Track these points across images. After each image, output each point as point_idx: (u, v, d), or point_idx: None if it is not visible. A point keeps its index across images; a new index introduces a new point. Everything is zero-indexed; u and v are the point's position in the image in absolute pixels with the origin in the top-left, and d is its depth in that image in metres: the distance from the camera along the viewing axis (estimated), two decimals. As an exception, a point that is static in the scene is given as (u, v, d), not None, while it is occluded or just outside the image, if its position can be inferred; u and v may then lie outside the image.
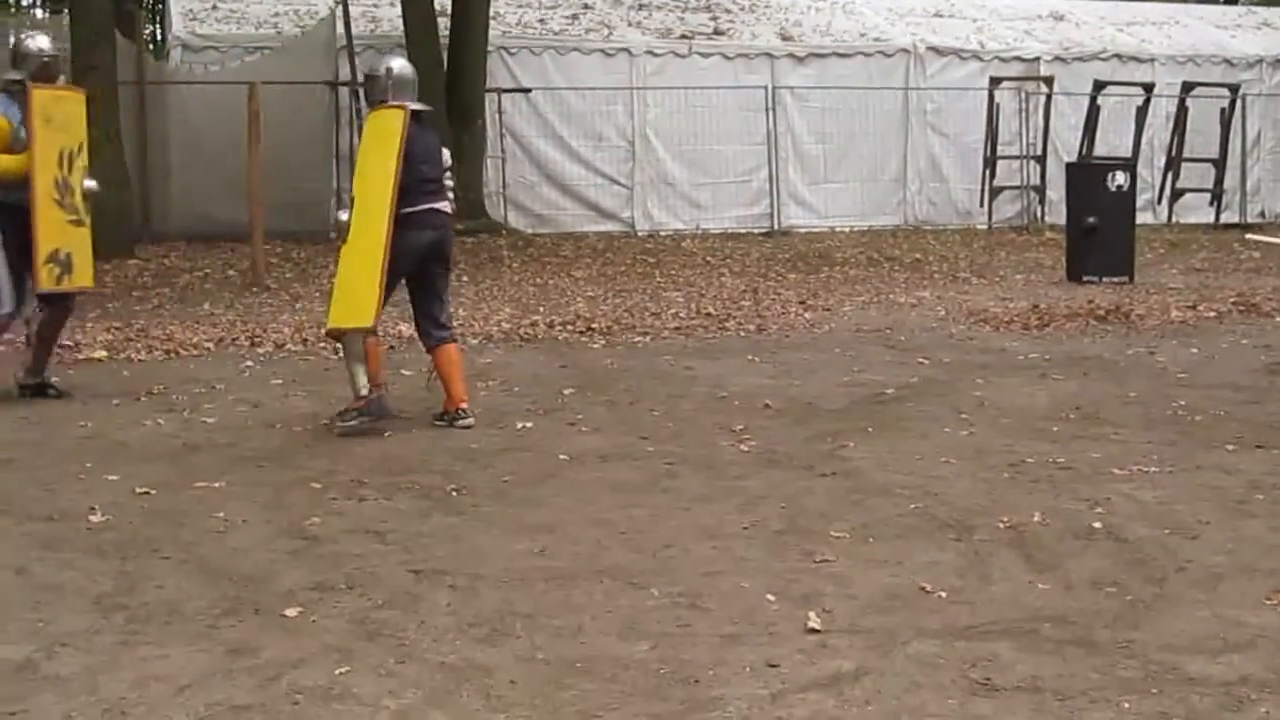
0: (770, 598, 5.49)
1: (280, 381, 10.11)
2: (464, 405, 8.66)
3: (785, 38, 22.95)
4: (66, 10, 20.34)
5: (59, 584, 5.75)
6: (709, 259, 18.31)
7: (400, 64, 8.92)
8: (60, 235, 9.25)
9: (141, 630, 5.23)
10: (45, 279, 9.20)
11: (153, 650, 5.02)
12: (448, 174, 8.89)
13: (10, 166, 9.05)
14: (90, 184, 9.51)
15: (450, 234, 8.88)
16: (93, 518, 6.71)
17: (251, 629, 5.22)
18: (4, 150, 9.06)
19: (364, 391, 8.43)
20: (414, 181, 8.48)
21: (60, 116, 9.31)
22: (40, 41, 9.60)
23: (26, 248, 9.09)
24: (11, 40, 9.98)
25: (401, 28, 20.49)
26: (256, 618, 5.34)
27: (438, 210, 8.67)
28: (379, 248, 8.30)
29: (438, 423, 8.65)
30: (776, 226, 22.00)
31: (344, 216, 8.60)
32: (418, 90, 8.84)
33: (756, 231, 21.68)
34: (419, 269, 8.66)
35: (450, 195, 8.89)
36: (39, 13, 38.47)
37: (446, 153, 8.95)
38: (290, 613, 5.37)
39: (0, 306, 9.22)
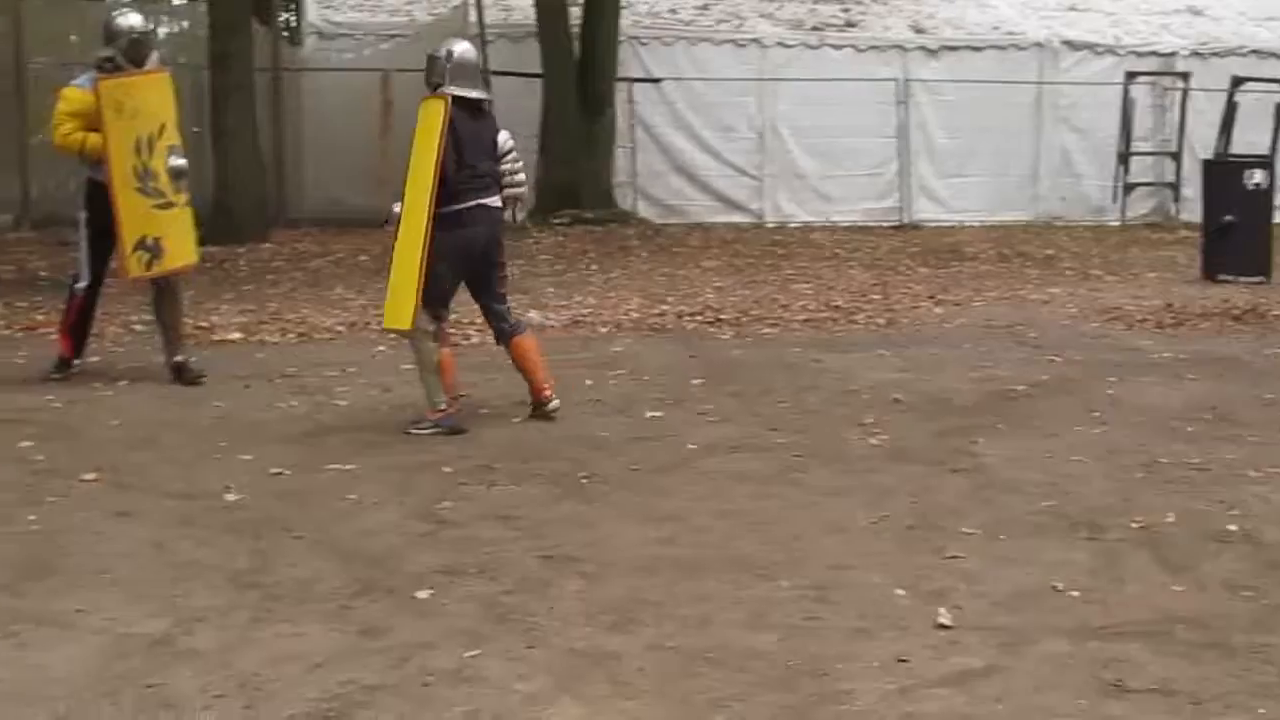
0: (900, 592, 5.46)
1: (411, 366, 10.10)
2: (546, 392, 8.48)
3: (917, 30, 22.75)
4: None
5: (195, 560, 5.87)
6: (838, 252, 18.21)
7: (462, 47, 8.46)
8: (146, 222, 9.30)
9: (275, 608, 5.31)
10: (134, 267, 9.31)
11: (287, 628, 5.10)
12: (509, 162, 8.45)
13: (97, 144, 9.14)
14: (177, 162, 9.47)
15: (498, 231, 8.43)
16: (228, 496, 6.84)
17: (383, 610, 5.28)
18: (91, 128, 9.16)
19: (440, 404, 8.21)
20: (462, 176, 8.11)
21: (132, 104, 9.25)
22: (131, 19, 9.61)
23: (110, 229, 9.22)
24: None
25: (533, 16, 20.57)
26: (388, 599, 5.41)
27: (486, 206, 8.26)
28: (418, 248, 7.99)
29: (532, 416, 8.53)
30: (906, 220, 21.83)
31: (396, 209, 8.21)
32: (479, 78, 8.65)
33: (886, 225, 21.53)
34: (471, 267, 8.36)
35: (513, 186, 8.51)
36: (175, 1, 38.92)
37: (506, 139, 8.47)
38: (421, 595, 5.43)
39: (78, 279, 9.40)
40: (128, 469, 7.21)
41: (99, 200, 9.18)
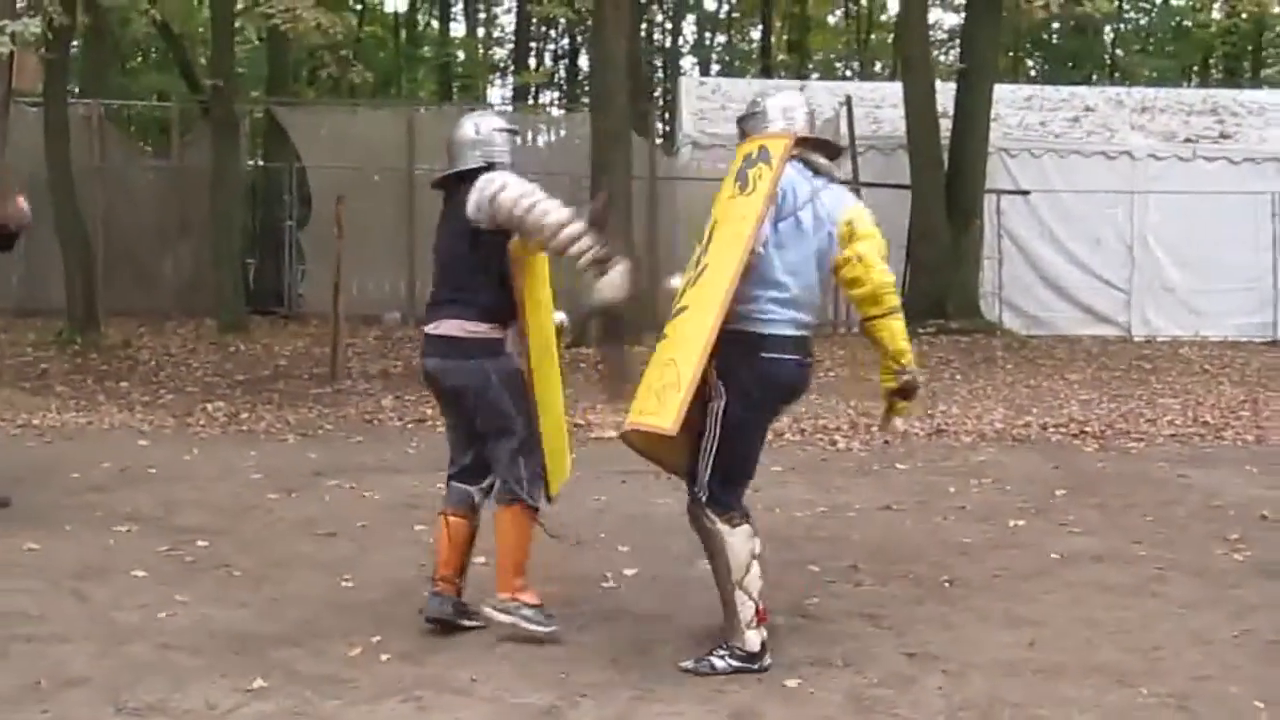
0: (1259, 704, 5.52)
1: (779, 468, 10.53)
2: (504, 595, 6.37)
3: (1295, 143, 22.37)
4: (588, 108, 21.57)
5: (578, 642, 6.28)
6: (1207, 367, 17.97)
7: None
8: None
9: (654, 689, 5.67)
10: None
11: (665, 707, 5.45)
12: (485, 277, 6.31)
13: None
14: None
15: (443, 363, 6.44)
16: (605, 584, 7.27)
17: (755, 695, 5.59)
18: None
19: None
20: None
21: None
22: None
23: None
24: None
25: (903, 129, 20.90)
26: (759, 685, 5.71)
27: (430, 335, 6.50)
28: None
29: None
30: (1279, 336, 21.38)
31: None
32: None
33: (1258, 340, 21.13)
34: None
35: (468, 303, 6.32)
36: (554, 111, 40.51)
37: (475, 207, 6.24)
38: (790, 683, 5.73)
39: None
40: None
41: None
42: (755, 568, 5.99)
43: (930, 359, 17.79)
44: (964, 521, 8.90)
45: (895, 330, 6.07)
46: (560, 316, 6.75)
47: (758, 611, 5.95)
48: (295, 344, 18.63)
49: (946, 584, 7.34)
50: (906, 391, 6.19)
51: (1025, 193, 21.58)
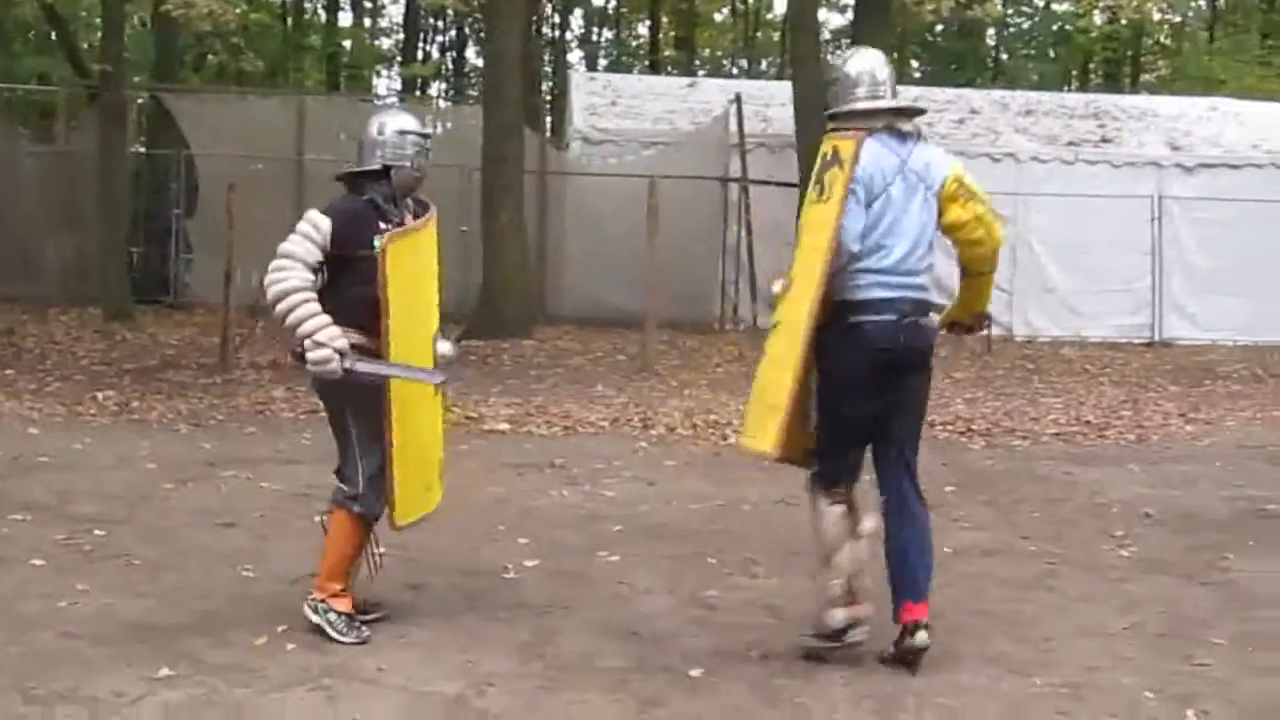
0: (1149, 695, 5.69)
1: (673, 463, 10.64)
2: (316, 595, 6.29)
3: (1174, 147, 22.77)
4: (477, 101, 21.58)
5: (484, 632, 6.33)
6: (1088, 367, 18.30)
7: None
8: None
9: (560, 678, 5.75)
10: None
11: (572, 696, 5.54)
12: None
13: None
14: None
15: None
16: (506, 575, 7.32)
17: (660, 685, 5.68)
18: None
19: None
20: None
21: None
22: None
23: None
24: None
25: (792, 127, 21.05)
26: (664, 675, 5.80)
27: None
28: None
29: None
30: (1157, 338, 21.80)
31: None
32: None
33: (1137, 341, 21.52)
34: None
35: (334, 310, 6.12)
36: (442, 103, 40.40)
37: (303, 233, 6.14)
38: (694, 673, 5.82)
39: None
40: (416, 546, 7.69)
41: None
42: (848, 549, 5.99)
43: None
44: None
45: (990, 286, 6.36)
46: (447, 348, 6.51)
47: (849, 592, 5.97)
48: (182, 333, 18.48)
49: (844, 576, 7.47)
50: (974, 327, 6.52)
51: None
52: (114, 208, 20.04)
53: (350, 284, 6.09)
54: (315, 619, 6.17)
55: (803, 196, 6.30)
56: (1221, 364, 18.93)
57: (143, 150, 25.02)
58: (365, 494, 6.23)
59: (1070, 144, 22.62)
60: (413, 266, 6.26)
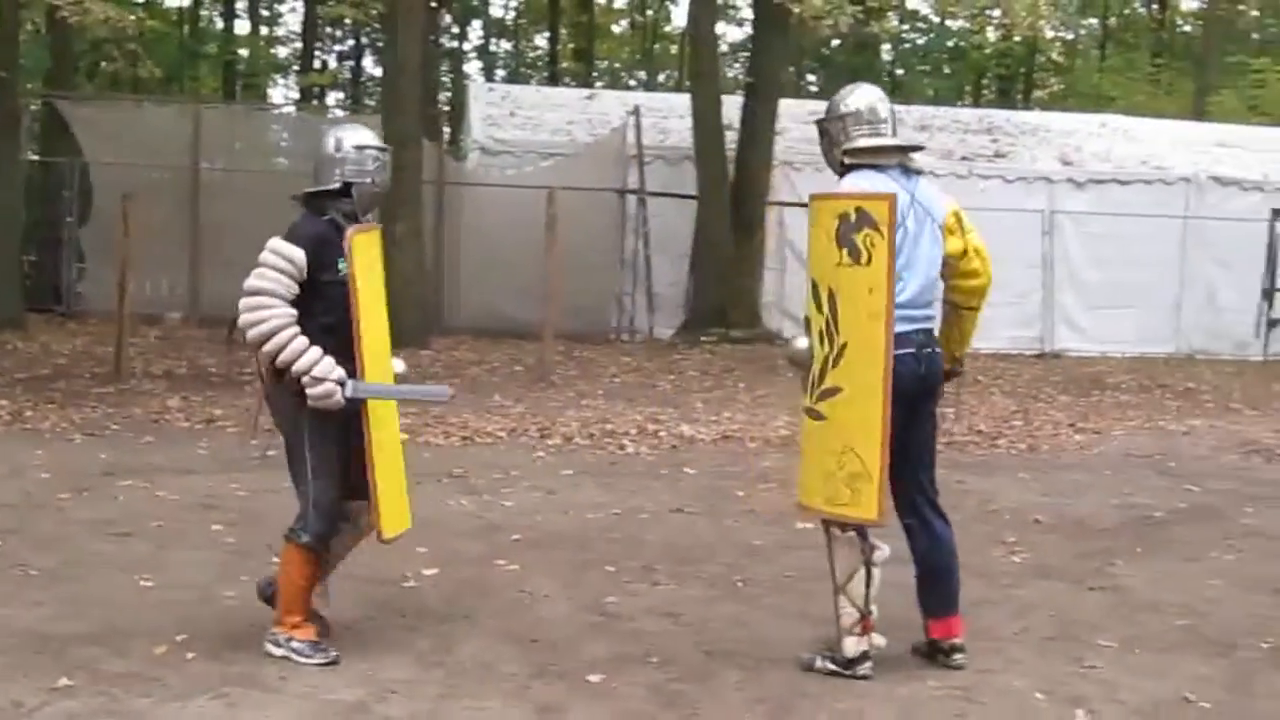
0: (1039, 696, 5.83)
1: (571, 472, 10.70)
2: (277, 629, 6.18)
3: (1065, 163, 23.10)
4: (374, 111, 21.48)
5: (384, 640, 6.36)
6: (980, 378, 18.49)
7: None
8: None
9: (460, 684, 5.80)
10: None
11: (472, 702, 5.58)
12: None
13: None
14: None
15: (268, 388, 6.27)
16: (406, 584, 7.35)
17: (559, 692, 5.74)
18: None
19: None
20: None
21: None
22: None
23: None
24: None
25: (690, 140, 21.20)
26: (562, 682, 5.86)
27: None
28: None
29: None
30: (1048, 349, 22.11)
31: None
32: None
33: (1028, 353, 21.81)
34: None
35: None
36: (339, 112, 40.19)
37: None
38: (593, 679, 5.89)
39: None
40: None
41: None
42: (862, 575, 6.05)
43: (714, 366, 18.12)
44: (754, 524, 9.13)
45: (973, 326, 6.40)
46: (401, 366, 6.54)
47: (861, 620, 6.03)
48: (74, 342, 18.28)
49: (740, 584, 7.58)
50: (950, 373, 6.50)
51: (806, 205, 21.93)
52: (6, 216, 19.79)
53: (322, 311, 6.02)
54: (279, 652, 6.05)
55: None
56: (1110, 375, 19.25)
57: (36, 158, 24.73)
58: (310, 521, 6.12)
59: (964, 159, 22.85)
60: (372, 267, 6.19)
